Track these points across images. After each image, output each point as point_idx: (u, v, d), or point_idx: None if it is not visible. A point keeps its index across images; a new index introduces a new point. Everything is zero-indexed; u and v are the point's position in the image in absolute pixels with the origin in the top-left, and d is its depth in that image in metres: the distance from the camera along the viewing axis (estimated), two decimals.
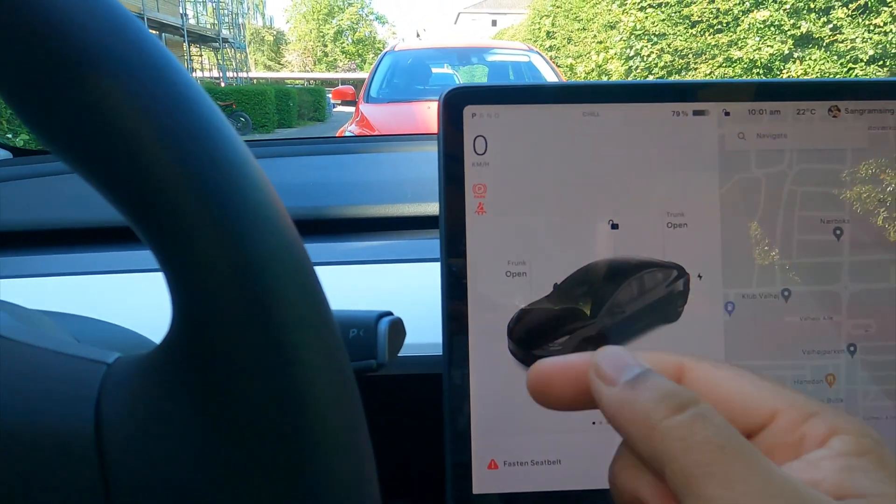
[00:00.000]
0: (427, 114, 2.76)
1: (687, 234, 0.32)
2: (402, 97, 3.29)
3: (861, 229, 0.32)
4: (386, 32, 43.89)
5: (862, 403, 0.32)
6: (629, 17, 8.72)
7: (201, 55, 21.27)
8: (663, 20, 8.36)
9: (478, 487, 0.31)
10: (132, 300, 0.40)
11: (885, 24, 6.41)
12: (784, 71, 7.30)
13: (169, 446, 0.14)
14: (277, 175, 0.60)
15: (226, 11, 20.85)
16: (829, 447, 0.16)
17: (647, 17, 8.51)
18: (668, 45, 8.31)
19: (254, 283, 0.14)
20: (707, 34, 7.99)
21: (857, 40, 6.61)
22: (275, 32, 44.34)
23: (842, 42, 6.80)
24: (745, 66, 7.53)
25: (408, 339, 0.33)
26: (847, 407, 0.32)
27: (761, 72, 7.43)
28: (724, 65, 7.81)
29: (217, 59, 20.95)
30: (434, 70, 3.82)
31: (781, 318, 0.32)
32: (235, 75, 21.70)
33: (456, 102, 0.32)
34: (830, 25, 6.88)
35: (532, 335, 0.32)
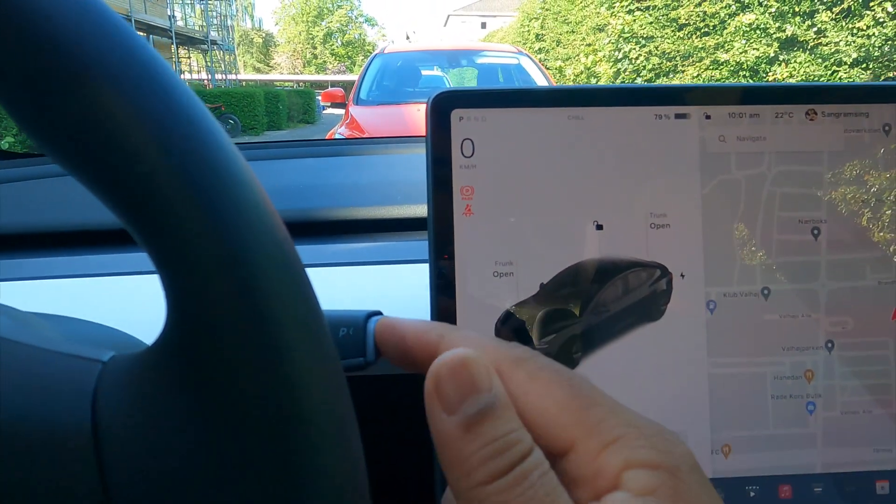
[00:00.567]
0: (416, 116, 2.76)
1: (670, 234, 0.33)
2: (391, 99, 3.30)
3: (838, 229, 0.33)
4: (375, 35, 43.88)
5: (839, 399, 0.33)
6: (617, 19, 8.79)
7: (189, 57, 21.14)
8: (651, 23, 8.43)
9: None
10: (124, 302, 0.40)
11: (868, 27, 6.51)
12: (770, 73, 7.39)
13: (165, 443, 0.15)
14: (267, 177, 0.60)
15: (214, 13, 20.73)
16: (624, 485, 0.16)
17: (635, 20, 8.57)
18: (656, 48, 8.38)
19: (246, 281, 0.14)
20: (694, 37, 8.08)
21: (841, 43, 6.71)
22: (264, 34, 44.15)
23: (826, 45, 6.90)
24: (732, 68, 7.62)
25: None
26: (825, 402, 0.33)
27: (747, 74, 7.52)
28: (710, 67, 7.89)
29: (205, 61, 20.83)
30: (423, 72, 3.83)
31: (761, 316, 0.33)
32: (224, 77, 21.58)
33: (443, 106, 0.32)
34: (815, 29, 6.98)
35: (519, 334, 0.32)
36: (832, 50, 6.81)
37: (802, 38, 7.05)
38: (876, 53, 6.52)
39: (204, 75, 21.35)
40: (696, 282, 0.33)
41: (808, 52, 7.09)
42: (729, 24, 7.63)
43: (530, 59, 3.78)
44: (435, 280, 0.32)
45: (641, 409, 0.33)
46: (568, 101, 0.33)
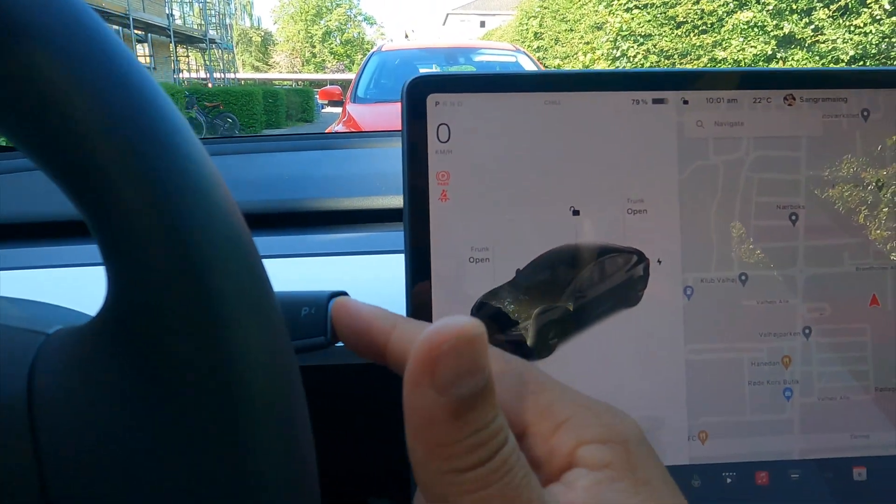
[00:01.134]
0: None
1: (647, 219, 0.33)
2: (389, 97, 3.29)
3: (816, 215, 0.33)
4: (374, 33, 43.83)
5: (817, 385, 0.33)
6: (615, 18, 8.79)
7: (188, 56, 21.10)
8: (649, 21, 8.43)
9: None
10: (90, 292, 0.40)
11: (865, 24, 6.52)
12: None
13: (102, 414, 0.14)
14: (253, 170, 0.60)
15: (213, 12, 20.70)
16: (580, 462, 0.16)
17: (633, 18, 8.57)
18: (654, 46, 8.37)
19: (184, 249, 0.14)
20: (692, 35, 8.08)
21: (838, 41, 6.72)
22: (262, 33, 44.09)
23: (823, 43, 6.90)
24: (730, 66, 7.62)
25: None
26: (802, 388, 0.33)
27: (719, 68, 7.52)
28: (708, 65, 7.89)
29: (204, 60, 20.80)
30: (422, 70, 3.81)
31: (739, 302, 0.33)
32: (223, 76, 21.55)
33: (419, 91, 0.32)
34: (812, 26, 6.98)
35: (495, 320, 0.32)
36: (829, 47, 6.81)
37: (800, 36, 7.05)
38: (873, 51, 6.53)
39: (202, 74, 21.32)
40: (673, 267, 0.33)
41: (805, 49, 7.09)
42: (727, 21, 7.63)
43: (528, 57, 3.78)
44: (410, 266, 0.32)
45: (618, 394, 0.33)
46: (545, 85, 0.32)
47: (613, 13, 8.81)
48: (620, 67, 8.65)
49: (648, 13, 8.39)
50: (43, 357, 0.15)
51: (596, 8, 9.66)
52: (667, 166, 0.33)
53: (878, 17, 6.42)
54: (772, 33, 7.21)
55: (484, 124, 0.32)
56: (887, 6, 6.26)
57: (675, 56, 8.19)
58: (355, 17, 41.75)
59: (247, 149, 0.63)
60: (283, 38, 42.52)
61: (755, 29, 7.33)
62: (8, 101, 0.13)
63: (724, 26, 7.65)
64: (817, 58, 6.93)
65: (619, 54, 8.74)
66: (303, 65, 40.98)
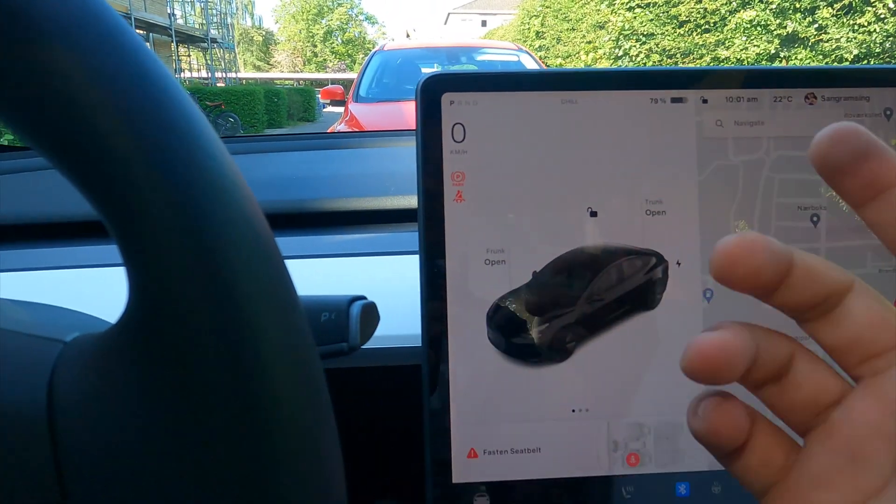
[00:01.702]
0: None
1: (665, 221, 0.32)
2: (391, 96, 3.29)
3: (837, 216, 0.33)
4: (376, 32, 43.84)
5: None
6: (618, 17, 8.78)
7: (190, 55, 21.12)
8: (651, 20, 8.41)
9: (458, 476, 0.31)
10: (106, 293, 0.40)
11: (869, 23, 6.50)
12: None
13: (123, 423, 0.14)
14: (261, 170, 0.59)
15: (214, 11, 20.71)
16: None
17: (635, 17, 8.56)
18: (657, 45, 8.36)
19: (208, 256, 0.13)
20: (695, 34, 8.06)
21: (842, 40, 6.70)
22: (264, 33, 44.12)
23: (827, 41, 6.88)
24: (732, 65, 7.61)
25: (388, 331, 0.32)
26: None
27: (739, 66, 7.50)
28: (711, 64, 7.88)
29: (206, 60, 20.82)
30: (423, 70, 3.81)
31: (759, 305, 0.32)
32: (224, 76, 21.57)
33: (434, 90, 0.31)
34: (816, 25, 6.97)
35: (511, 323, 0.32)
36: (833, 46, 6.80)
37: (803, 35, 7.03)
38: (877, 50, 6.51)
39: (204, 73, 21.33)
40: (692, 270, 0.32)
41: (808, 48, 7.08)
42: (729, 20, 7.62)
43: (530, 56, 3.77)
44: (425, 268, 0.31)
45: (636, 399, 0.32)
46: (561, 84, 0.32)
47: (616, 12, 8.80)
48: (623, 67, 8.64)
49: (651, 12, 8.37)
50: (62, 366, 0.14)
51: (598, 7, 9.65)
52: (686, 167, 0.32)
53: (882, 16, 6.40)
54: (775, 32, 7.20)
55: (500, 124, 0.32)
56: (891, 5, 6.24)
57: (678, 55, 8.17)
58: (356, 16, 41.76)
59: (254, 148, 0.63)
60: (284, 38, 42.55)
61: (758, 28, 7.31)
62: (27, 100, 0.13)
63: (726, 25, 7.64)
64: (821, 57, 6.91)
65: (621, 53, 8.73)
66: (304, 64, 41.01)
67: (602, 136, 0.32)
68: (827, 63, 6.84)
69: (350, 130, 2.81)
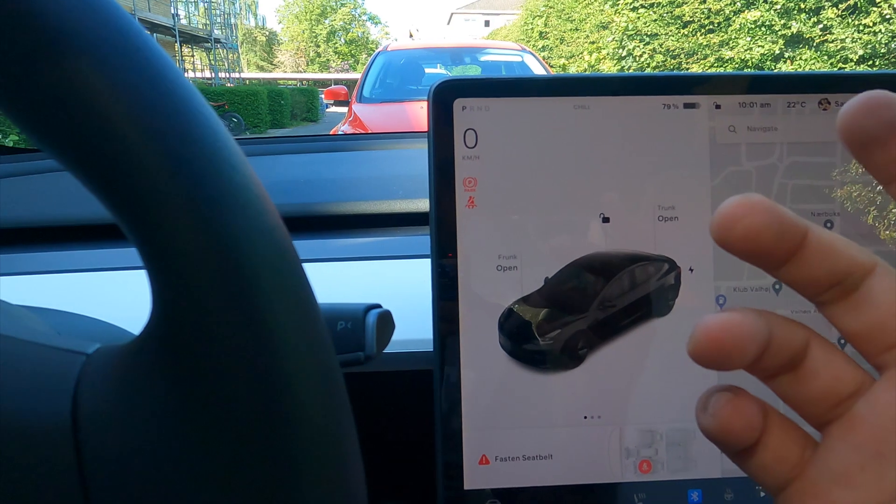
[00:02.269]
0: (420, 113, 2.75)
1: (678, 227, 0.32)
2: (394, 97, 3.29)
3: (851, 222, 0.33)
4: (379, 33, 43.86)
5: None
6: (621, 17, 8.76)
7: (193, 55, 21.17)
8: (655, 20, 8.40)
9: (469, 483, 0.31)
10: (120, 297, 0.40)
11: (875, 24, 6.47)
12: (775, 71, 7.35)
13: (146, 436, 0.14)
14: (270, 172, 0.59)
15: (217, 12, 20.76)
16: None
17: (639, 18, 8.54)
18: (660, 46, 8.35)
19: (234, 269, 0.13)
20: (698, 34, 8.04)
21: (847, 40, 6.67)
22: (267, 33, 44.19)
23: (832, 42, 6.86)
24: (737, 66, 7.58)
25: (399, 336, 0.32)
26: None
27: (752, 71, 7.47)
28: (715, 65, 7.86)
29: (209, 60, 20.86)
30: (427, 70, 3.82)
31: (774, 308, 0.32)
32: (227, 76, 21.61)
33: (446, 95, 0.31)
34: (821, 26, 6.94)
35: (523, 330, 0.31)
36: (838, 47, 6.77)
37: (808, 35, 7.01)
38: (882, 50, 6.48)
39: (207, 73, 21.37)
40: (705, 276, 0.32)
41: (813, 49, 7.05)
42: (734, 20, 7.60)
43: (534, 56, 3.76)
44: (437, 274, 0.31)
45: (648, 405, 0.32)
46: (574, 90, 0.32)
47: (619, 12, 8.78)
48: (626, 67, 8.63)
49: (654, 12, 8.35)
50: (86, 379, 0.14)
51: (601, 7, 9.64)
52: (698, 172, 0.32)
53: (887, 17, 6.38)
54: (779, 32, 7.17)
55: (512, 129, 0.32)
56: None
57: (682, 56, 8.15)
58: (360, 16, 41.79)
59: (262, 150, 0.63)
60: (287, 38, 42.60)
61: (762, 28, 7.29)
62: (54, 113, 0.13)
63: (731, 25, 7.62)
64: (826, 57, 6.89)
65: (624, 54, 8.72)
66: (307, 64, 41.06)
67: (614, 142, 0.32)
68: (832, 63, 6.82)
69: (354, 131, 2.81)
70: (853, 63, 6.70)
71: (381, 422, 0.38)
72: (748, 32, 7.44)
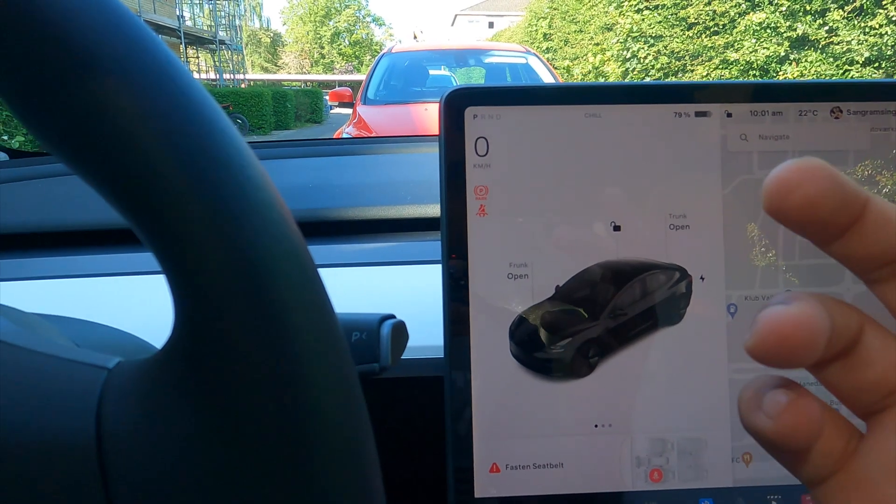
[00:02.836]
0: (424, 115, 2.75)
1: (689, 235, 0.32)
2: (399, 99, 3.29)
3: None
4: (383, 34, 43.92)
5: None
6: (626, 19, 8.75)
7: (198, 57, 21.25)
8: (660, 22, 8.38)
9: (479, 491, 0.31)
10: (131, 303, 0.40)
11: (881, 26, 6.45)
12: (780, 73, 7.33)
13: (171, 453, 0.14)
14: (278, 177, 0.60)
15: (222, 13, 20.83)
16: None
17: (643, 20, 8.53)
18: (665, 47, 8.33)
19: (258, 287, 0.13)
20: (703, 36, 8.03)
21: (853, 42, 6.65)
22: (271, 34, 44.32)
23: (837, 44, 6.83)
24: (742, 67, 7.56)
25: (409, 342, 0.32)
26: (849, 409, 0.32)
27: (757, 73, 7.47)
28: (720, 67, 7.84)
29: (214, 61, 20.93)
30: (431, 72, 3.82)
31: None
32: (232, 77, 21.67)
33: (457, 104, 0.31)
34: (826, 28, 6.92)
35: (534, 338, 0.31)
36: (844, 49, 6.75)
37: (813, 37, 6.99)
38: (888, 52, 6.46)
39: (212, 75, 21.44)
40: (716, 285, 0.32)
41: (819, 51, 7.03)
42: (739, 22, 7.58)
43: (538, 58, 3.76)
44: (448, 282, 0.31)
45: (659, 414, 0.32)
46: (585, 98, 0.32)
47: (624, 14, 8.78)
48: (630, 68, 8.61)
49: (659, 14, 8.34)
50: (108, 395, 0.14)
51: (606, 9, 9.63)
52: (710, 181, 0.32)
53: (894, 19, 6.35)
54: (785, 34, 7.15)
55: (523, 138, 0.32)
56: None
57: (687, 57, 8.14)
58: (364, 18, 41.87)
59: (271, 154, 0.63)
60: (292, 40, 42.72)
61: (768, 30, 7.27)
62: (81, 133, 0.13)
63: (736, 27, 7.60)
64: (831, 59, 6.87)
65: (629, 56, 8.70)
66: (312, 66, 41.15)
67: (626, 150, 0.32)
68: (838, 65, 6.79)
69: (358, 132, 2.82)
70: (859, 65, 6.68)
71: (391, 428, 0.38)
72: (753, 34, 7.42)
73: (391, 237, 0.51)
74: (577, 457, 0.32)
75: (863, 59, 6.59)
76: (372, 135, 2.70)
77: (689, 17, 8.06)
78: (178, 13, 17.30)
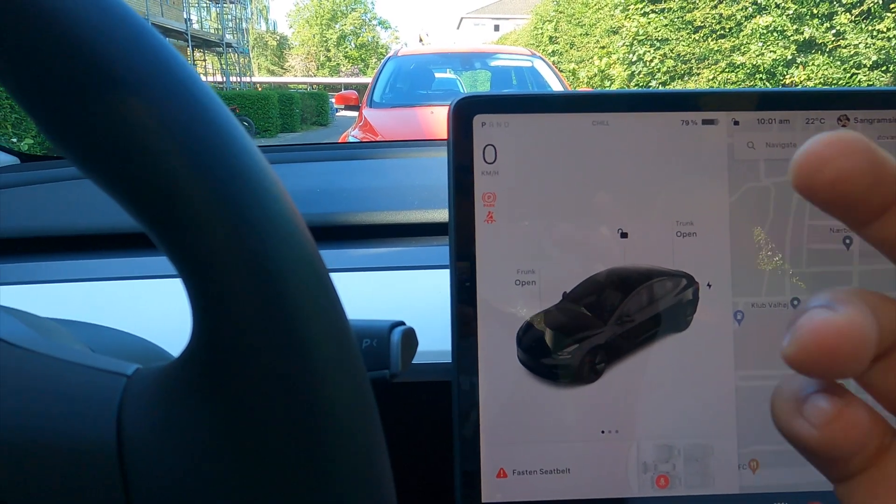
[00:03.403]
0: (430, 118, 2.76)
1: (696, 242, 0.32)
2: (405, 102, 3.30)
3: None
4: (389, 37, 44.03)
5: None
6: (632, 22, 8.74)
7: (205, 60, 21.37)
8: (666, 25, 8.37)
9: (486, 496, 0.31)
10: (143, 306, 0.40)
11: (889, 29, 6.42)
12: (787, 76, 7.30)
13: (191, 460, 0.14)
14: (285, 181, 0.60)
15: (229, 16, 20.95)
16: None
17: (649, 23, 8.52)
18: (671, 51, 8.32)
19: (276, 297, 0.14)
20: (710, 39, 8.01)
21: (860, 46, 6.62)
22: (278, 37, 44.52)
23: (845, 47, 6.81)
24: (748, 71, 7.54)
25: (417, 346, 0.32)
26: None
27: (764, 77, 7.44)
28: (726, 70, 7.82)
29: (220, 64, 21.04)
30: (437, 75, 3.83)
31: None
32: (239, 80, 21.78)
33: (466, 111, 0.32)
34: (833, 31, 6.89)
35: (541, 344, 0.32)
36: (851, 52, 6.72)
37: (820, 41, 6.96)
38: None
39: (219, 78, 21.55)
40: (723, 292, 0.32)
41: (826, 54, 7.00)
42: (745, 26, 7.56)
43: (544, 61, 3.76)
44: (456, 287, 0.31)
45: (666, 421, 0.32)
46: (592, 106, 0.32)
47: (630, 17, 8.77)
48: (636, 72, 8.60)
49: (665, 17, 8.33)
50: (128, 402, 0.15)
51: (612, 12, 9.63)
52: (717, 188, 0.32)
53: None
54: (791, 38, 7.13)
55: (531, 145, 0.32)
56: None
57: (693, 61, 8.12)
58: (370, 21, 42.01)
59: (280, 159, 0.64)
60: (298, 42, 42.91)
61: (774, 33, 7.24)
62: (103, 147, 0.13)
63: (742, 31, 7.58)
64: (838, 63, 6.84)
65: (635, 59, 8.70)
66: (318, 68, 41.32)
67: (633, 158, 0.32)
68: (845, 69, 6.76)
69: (364, 135, 2.83)
70: (866, 69, 6.64)
71: (398, 432, 0.38)
72: (760, 38, 7.39)
73: (399, 242, 0.52)
74: (584, 462, 0.32)
75: (870, 63, 6.56)
76: (378, 138, 2.71)
77: (695, 20, 8.05)
78: (185, 16, 17.41)
